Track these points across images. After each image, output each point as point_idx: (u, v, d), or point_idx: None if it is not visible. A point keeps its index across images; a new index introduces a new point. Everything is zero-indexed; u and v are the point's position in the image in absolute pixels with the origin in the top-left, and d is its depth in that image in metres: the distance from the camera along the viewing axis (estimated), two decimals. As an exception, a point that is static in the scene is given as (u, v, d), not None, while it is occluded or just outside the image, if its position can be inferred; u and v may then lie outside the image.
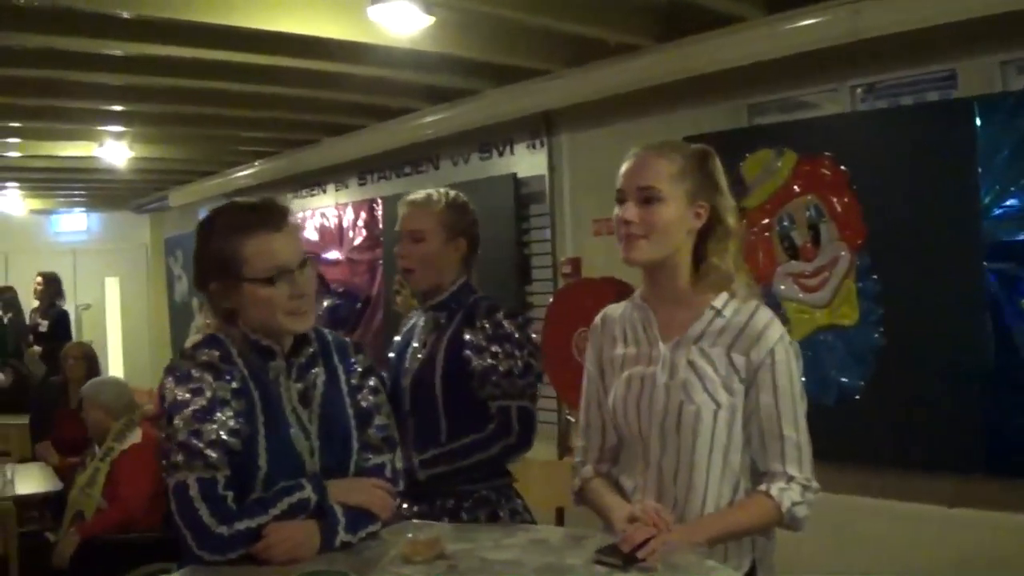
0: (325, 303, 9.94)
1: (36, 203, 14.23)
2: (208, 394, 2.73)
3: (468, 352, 3.57)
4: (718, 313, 2.83)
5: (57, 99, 7.43)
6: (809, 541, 5.33)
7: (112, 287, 15.33)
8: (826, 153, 5.48)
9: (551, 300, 7.07)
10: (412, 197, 3.86)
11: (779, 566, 4.96)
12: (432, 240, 3.69)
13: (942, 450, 4.98)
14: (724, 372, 2.79)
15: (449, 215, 3.72)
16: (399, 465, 3.06)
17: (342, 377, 3.01)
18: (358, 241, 9.77)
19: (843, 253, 5.40)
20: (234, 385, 2.74)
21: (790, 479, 2.74)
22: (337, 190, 10.24)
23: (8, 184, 12.62)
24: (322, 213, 10.28)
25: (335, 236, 10.08)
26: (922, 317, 5.04)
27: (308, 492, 2.72)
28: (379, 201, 9.35)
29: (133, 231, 15.33)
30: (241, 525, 2.62)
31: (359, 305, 9.51)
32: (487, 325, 3.59)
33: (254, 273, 2.75)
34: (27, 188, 13.10)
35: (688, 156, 2.87)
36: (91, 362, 8.11)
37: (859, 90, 5.65)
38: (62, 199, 14.44)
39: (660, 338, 2.90)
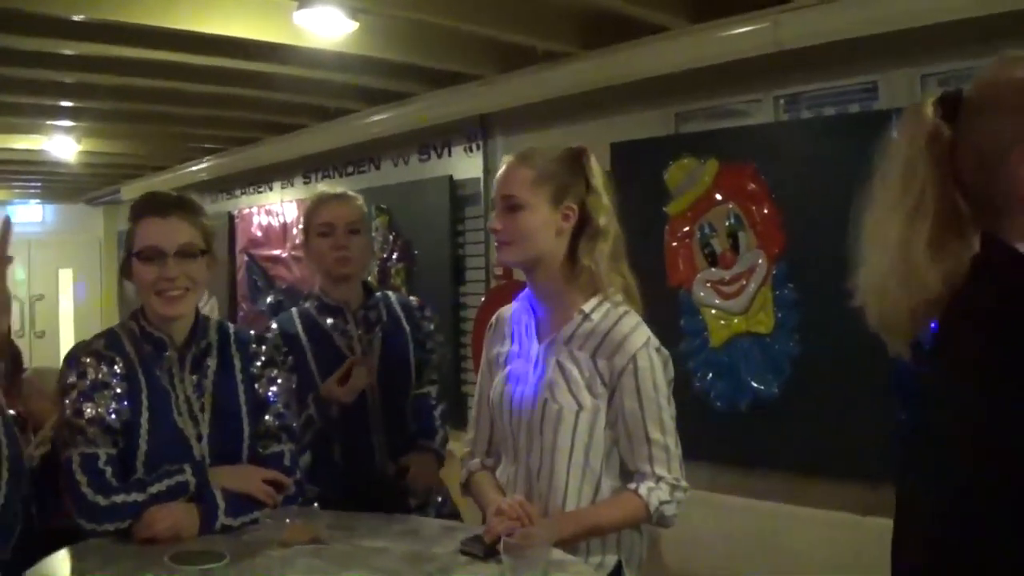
0: (268, 299, 9.99)
1: (-7, 194, 14.25)
2: (91, 377, 2.95)
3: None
4: (586, 317, 2.92)
5: (8, 95, 7.55)
6: (721, 544, 5.46)
7: (65, 278, 15.33)
8: (747, 162, 5.54)
9: (482, 300, 7.16)
10: (337, 191, 4.06)
11: (691, 568, 5.05)
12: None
13: (855, 458, 5.05)
14: (588, 375, 2.88)
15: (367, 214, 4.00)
16: (296, 450, 3.21)
17: (237, 366, 3.17)
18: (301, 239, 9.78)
19: (761, 261, 5.47)
20: (116, 370, 2.95)
21: (659, 479, 2.82)
22: (283, 188, 10.28)
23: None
24: (267, 210, 10.32)
25: (280, 234, 10.11)
26: (837, 325, 5.09)
27: (187, 476, 2.92)
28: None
29: (87, 223, 15.35)
30: (118, 498, 2.82)
31: (301, 301, 9.51)
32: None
33: (135, 250, 3.03)
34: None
35: (552, 160, 2.96)
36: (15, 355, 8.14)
37: (783, 100, 5.72)
38: (17, 190, 14.45)
39: (536, 337, 2.99)
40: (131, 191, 12.80)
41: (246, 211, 10.66)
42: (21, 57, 6.49)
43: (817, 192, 5.19)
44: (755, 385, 5.47)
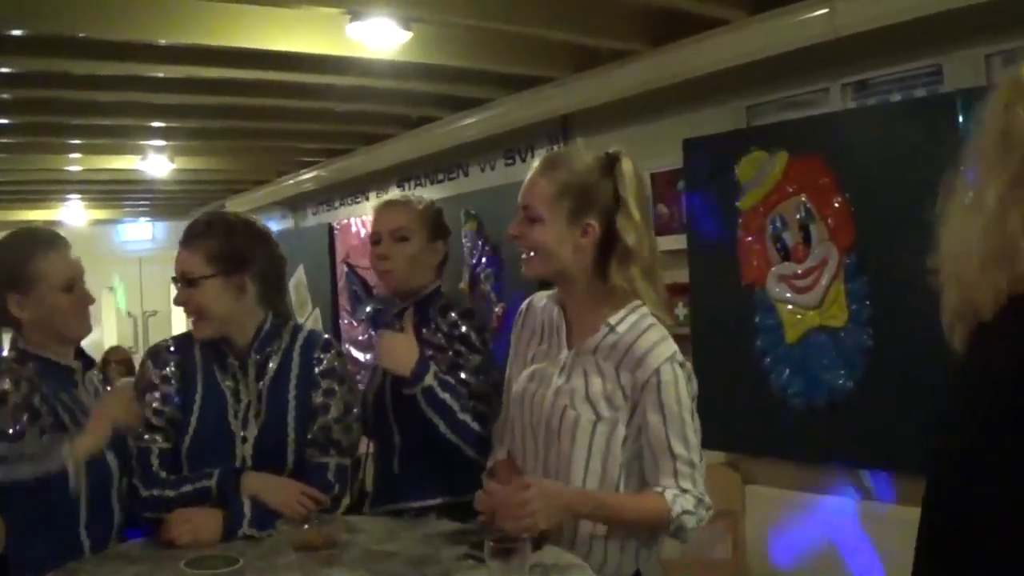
0: (368, 308, 10.05)
1: (99, 213, 14.60)
2: (147, 378, 3.23)
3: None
4: (612, 329, 2.88)
5: (101, 118, 7.81)
6: (801, 542, 5.40)
7: (177, 294, 15.64)
8: (816, 153, 5.45)
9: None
10: (389, 197, 4.00)
11: (773, 565, 4.99)
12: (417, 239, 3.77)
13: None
14: (611, 387, 2.83)
15: (430, 217, 3.83)
16: (345, 465, 3.25)
17: (294, 371, 3.25)
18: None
19: (833, 254, 5.37)
20: (168, 371, 3.16)
21: (684, 491, 2.78)
22: (378, 197, 10.36)
23: (70, 196, 13.09)
24: (363, 221, 10.42)
25: (375, 243, 10.18)
26: (911, 317, 5.00)
27: (212, 483, 3.04)
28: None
29: (196, 239, 15.58)
30: (155, 491, 3.08)
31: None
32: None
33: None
34: (88, 199, 13.51)
35: (578, 172, 2.89)
36: (130, 365, 8.47)
37: (850, 88, 5.63)
38: (127, 209, 14.80)
39: (566, 343, 2.96)
40: (236, 205, 13.03)
41: (344, 222, 10.76)
42: (111, 82, 6.71)
43: (886, 180, 5.09)
44: (830, 380, 5.36)
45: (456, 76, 6.91)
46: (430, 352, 3.55)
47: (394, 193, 9.22)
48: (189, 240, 3.22)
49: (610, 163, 2.90)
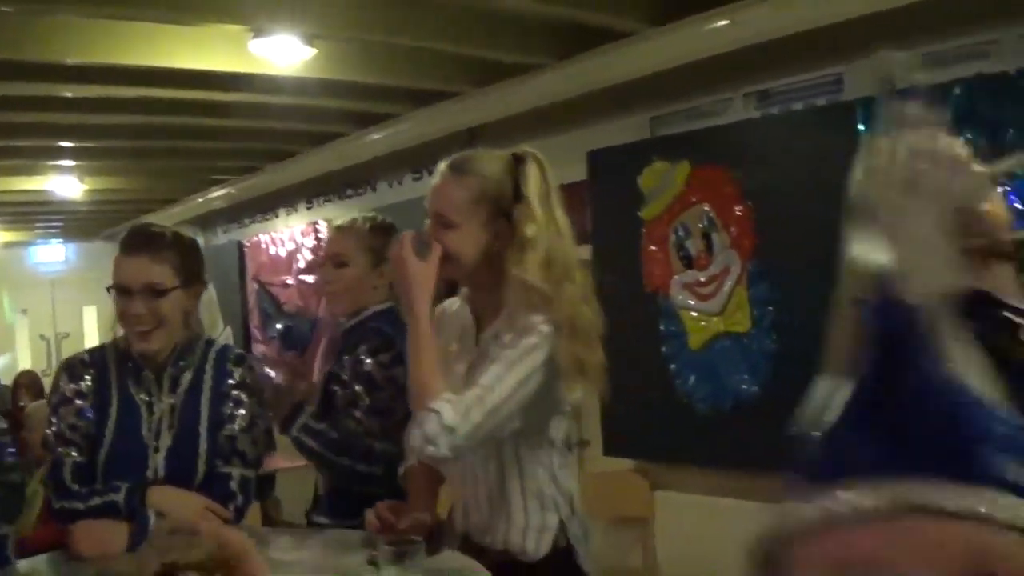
0: (278, 325, 10.07)
1: (10, 235, 14.41)
2: (60, 391, 3.20)
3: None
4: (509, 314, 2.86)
5: (14, 139, 7.78)
6: (712, 546, 5.45)
7: (90, 316, 15.47)
8: (718, 162, 5.56)
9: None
10: (338, 222, 3.96)
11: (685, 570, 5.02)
12: (356, 265, 3.73)
13: None
14: None
15: (373, 239, 3.77)
16: (249, 476, 3.25)
17: (207, 383, 3.26)
18: (304, 264, 9.88)
19: (735, 260, 5.47)
20: (83, 385, 3.20)
21: (449, 405, 2.63)
22: (288, 215, 10.37)
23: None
24: (273, 238, 10.40)
25: (286, 260, 10.19)
26: (814, 321, 5.08)
27: (119, 497, 3.05)
28: (321, 224, 9.46)
29: (107, 261, 15.41)
30: (67, 503, 3.06)
31: (310, 328, 9.61)
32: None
33: (111, 283, 3.14)
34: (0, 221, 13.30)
35: (488, 176, 2.87)
36: (39, 389, 8.39)
37: (752, 97, 5.73)
38: (38, 230, 14.64)
39: (476, 341, 2.95)
40: (146, 226, 12.96)
41: (254, 239, 10.76)
42: (19, 102, 6.67)
43: (787, 187, 5.19)
44: (736, 385, 5.45)
45: (361, 92, 6.94)
46: (336, 387, 3.62)
47: (330, 212, 9.24)
48: (154, 249, 3.19)
49: (516, 163, 2.91)
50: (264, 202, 10.59)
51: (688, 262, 5.69)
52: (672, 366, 5.72)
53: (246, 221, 11.25)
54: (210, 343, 3.36)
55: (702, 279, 5.63)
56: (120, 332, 3.25)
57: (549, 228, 2.85)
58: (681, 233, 5.72)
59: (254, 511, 4.67)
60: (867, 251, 1.03)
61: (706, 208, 5.61)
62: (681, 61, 5.59)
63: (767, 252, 5.33)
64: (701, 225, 5.62)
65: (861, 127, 4.82)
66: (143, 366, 3.21)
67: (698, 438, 5.59)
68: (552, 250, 2.82)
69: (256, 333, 10.71)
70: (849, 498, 0.85)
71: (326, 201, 9.49)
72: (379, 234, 3.77)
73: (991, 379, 0.97)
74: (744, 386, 5.43)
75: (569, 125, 6.57)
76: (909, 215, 1.83)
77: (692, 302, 5.67)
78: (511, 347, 2.70)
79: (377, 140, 8.03)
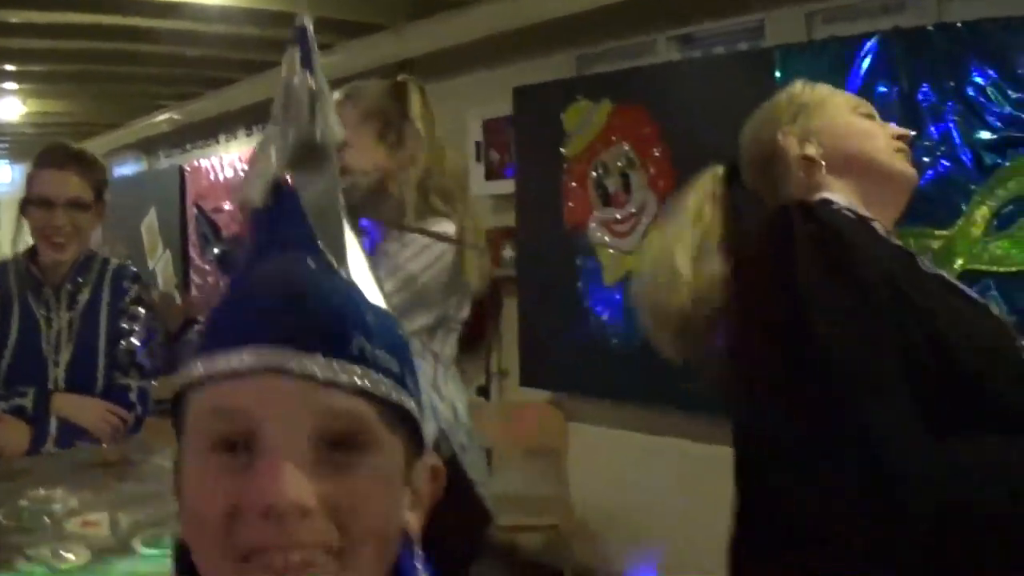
0: (216, 250, 10.12)
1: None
2: None
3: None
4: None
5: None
6: (622, 479, 5.60)
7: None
8: (639, 103, 5.63)
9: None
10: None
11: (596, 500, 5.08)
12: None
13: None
14: None
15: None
16: (147, 388, 3.40)
17: (105, 300, 3.39)
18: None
19: (651, 200, 5.57)
20: None
21: None
22: (228, 141, 10.40)
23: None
24: (212, 164, 10.43)
25: (225, 186, 10.22)
26: (725, 261, 5.22)
27: (27, 401, 3.19)
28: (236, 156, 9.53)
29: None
30: None
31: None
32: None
33: (29, 196, 3.27)
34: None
35: (376, 96, 3.02)
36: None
37: (676, 41, 5.82)
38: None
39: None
40: (91, 147, 12.83)
41: (195, 164, 10.76)
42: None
43: (705, 130, 5.24)
44: (647, 322, 5.57)
45: (292, 22, 6.95)
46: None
47: (255, 138, 9.27)
48: (82, 166, 3.31)
49: (399, 88, 3.03)
50: (205, 128, 10.59)
51: (606, 200, 5.79)
52: (587, 301, 5.83)
53: (188, 147, 11.27)
54: (106, 262, 3.48)
55: (619, 217, 5.73)
56: (21, 248, 3.36)
57: (433, 150, 3.02)
58: (601, 171, 5.81)
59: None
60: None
61: (626, 148, 5.70)
62: (608, 1, 5.65)
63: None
64: (620, 164, 5.71)
65: (778, 74, 4.90)
66: (43, 282, 3.32)
67: (610, 372, 5.70)
68: (436, 172, 3.00)
69: (195, 258, 10.76)
70: (229, 358, 0.95)
71: (264, 128, 9.52)
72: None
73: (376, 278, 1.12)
74: (654, 322, 5.53)
75: (497, 61, 6.64)
76: None
77: (608, 239, 5.77)
78: (408, 245, 2.87)
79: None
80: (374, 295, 1.07)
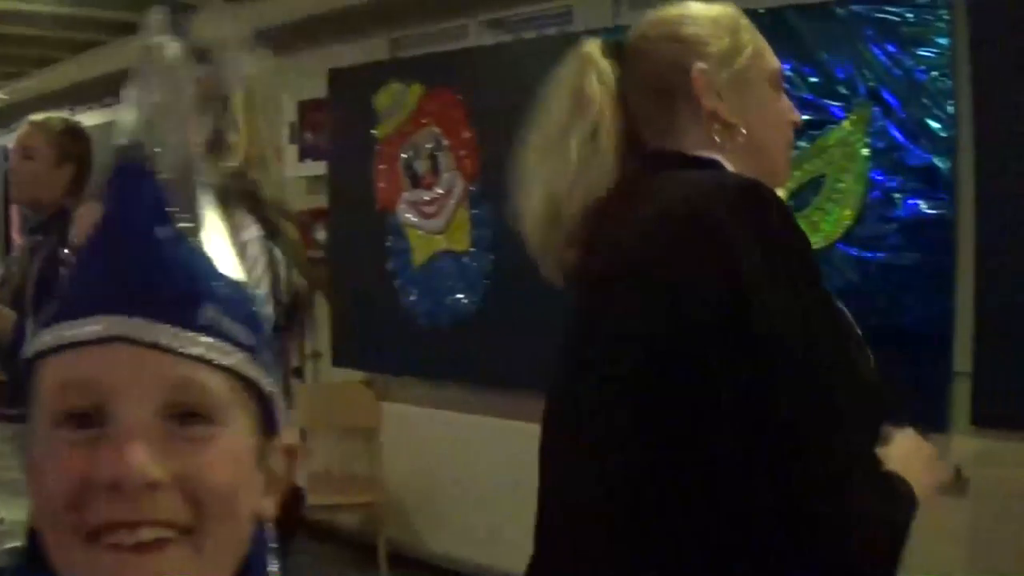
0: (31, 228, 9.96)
1: None
2: None
3: None
4: None
5: None
6: (429, 455, 5.67)
7: None
8: (449, 86, 5.71)
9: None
10: (34, 117, 4.05)
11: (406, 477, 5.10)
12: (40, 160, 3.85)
13: (550, 370, 5.25)
14: None
15: (62, 138, 3.90)
16: None
17: None
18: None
19: (458, 182, 5.66)
20: None
21: None
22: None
23: None
24: (38, 143, 10.28)
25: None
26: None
27: None
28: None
29: None
30: None
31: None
32: None
33: None
34: None
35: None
36: None
37: (487, 25, 5.90)
38: None
39: None
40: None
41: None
42: None
43: (513, 114, 5.31)
44: (455, 302, 5.67)
45: (117, 1, 6.91)
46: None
47: (91, 119, 9.13)
48: None
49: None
50: (30, 107, 10.38)
51: (416, 181, 5.87)
52: (397, 281, 5.91)
53: (12, 126, 11.04)
54: None
55: (427, 198, 5.81)
56: None
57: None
58: (411, 153, 5.89)
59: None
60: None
61: (435, 130, 5.78)
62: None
63: (489, 175, 5.52)
64: (429, 146, 5.80)
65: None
66: None
67: (420, 352, 5.79)
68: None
69: (15, 237, 10.57)
70: (75, 328, 0.94)
71: (88, 108, 9.40)
72: (69, 135, 3.93)
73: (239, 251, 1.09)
74: (462, 302, 5.64)
75: (313, 43, 6.65)
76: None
77: (417, 220, 5.85)
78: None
79: (131, 49, 7.95)
80: (232, 268, 1.04)
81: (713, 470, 1.61)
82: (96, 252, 0.99)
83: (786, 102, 1.95)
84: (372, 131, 6.04)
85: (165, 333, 0.93)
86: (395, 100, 5.95)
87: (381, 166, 6.01)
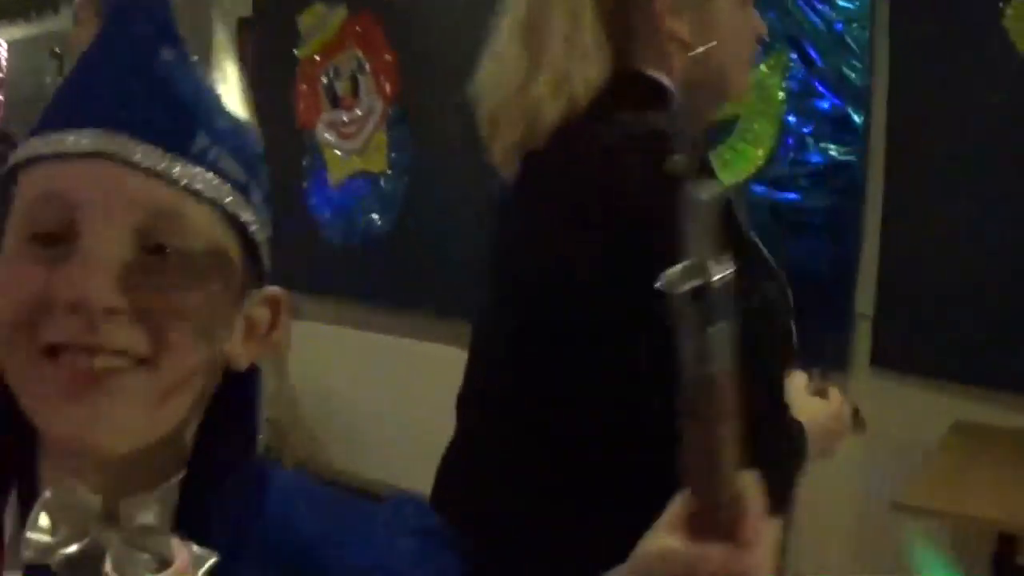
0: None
1: None
2: None
3: None
4: None
5: None
6: (340, 374, 5.74)
7: None
8: (373, 9, 5.76)
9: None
10: None
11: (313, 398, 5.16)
12: None
13: (459, 294, 5.31)
14: None
15: None
16: None
17: None
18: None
19: (378, 104, 5.74)
20: None
21: None
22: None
23: None
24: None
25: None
26: (446, 168, 5.41)
27: None
28: (3, 44, 9.30)
29: None
30: None
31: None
32: None
33: None
34: None
35: None
36: None
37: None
38: None
39: None
40: None
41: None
42: None
43: (432, 39, 5.43)
44: (368, 222, 5.75)
45: None
46: None
47: (16, 33, 9.04)
48: None
49: None
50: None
51: (336, 102, 5.93)
52: (311, 199, 5.98)
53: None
54: None
55: (346, 119, 5.88)
56: None
57: None
58: (332, 74, 5.95)
59: None
60: None
61: (358, 53, 5.83)
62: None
63: (407, 99, 5.60)
64: (351, 68, 5.86)
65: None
66: None
67: (331, 270, 5.87)
68: None
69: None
70: (61, 138, 0.91)
71: (10, 24, 9.31)
72: None
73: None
74: (376, 223, 5.73)
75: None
76: None
77: (335, 140, 5.92)
78: None
79: None
80: (236, 105, 1.01)
81: (612, 418, 1.69)
82: (93, 65, 0.96)
83: (751, 14, 1.90)
84: (294, 51, 6.08)
85: (151, 154, 0.90)
86: (319, 21, 6.00)
87: (302, 86, 6.07)
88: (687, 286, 0.86)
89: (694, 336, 0.88)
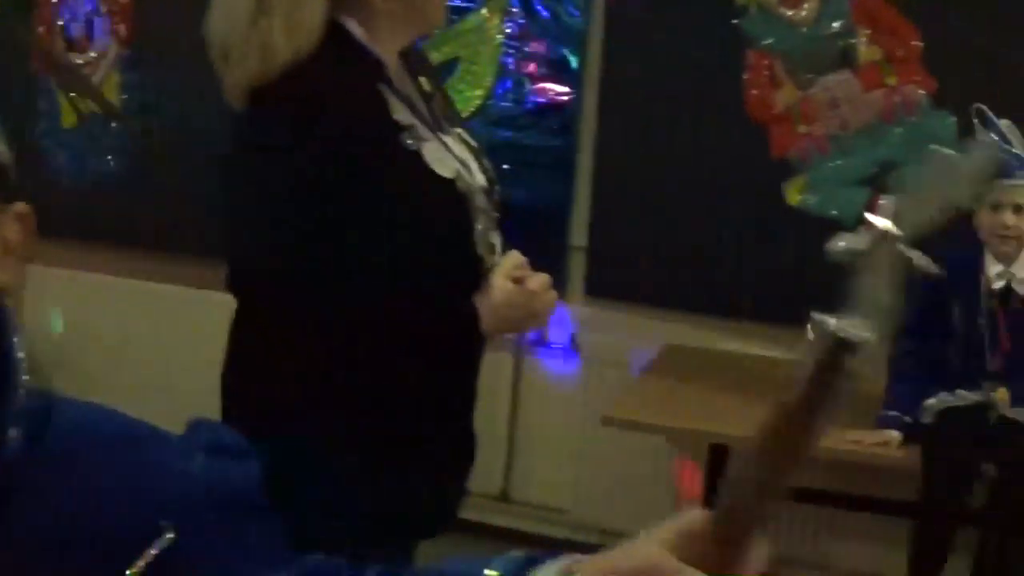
0: None
1: None
2: None
3: None
4: None
5: None
6: (70, 316, 5.68)
7: None
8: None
9: None
10: None
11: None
12: None
13: (194, 233, 5.32)
14: None
15: None
16: None
17: None
18: None
19: (112, 47, 5.74)
20: None
21: None
22: None
23: None
24: None
25: None
26: (180, 111, 5.44)
27: None
28: None
29: None
30: None
31: None
32: None
33: None
34: None
35: None
36: None
37: None
38: None
39: None
40: None
41: None
42: None
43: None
44: (102, 164, 5.75)
45: None
46: None
47: None
48: None
49: None
50: None
51: (71, 46, 5.90)
52: (45, 142, 5.93)
53: None
54: None
55: (80, 62, 5.86)
56: None
57: None
58: (68, 17, 5.92)
59: None
60: None
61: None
62: None
63: (143, 41, 5.62)
64: (86, 10, 5.84)
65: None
66: None
67: (63, 213, 5.81)
68: None
69: None
70: None
71: None
72: None
73: None
74: (109, 165, 5.72)
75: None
76: None
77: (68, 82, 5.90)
78: None
79: None
80: None
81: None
82: None
83: None
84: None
85: None
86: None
87: (39, 29, 6.01)
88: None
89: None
